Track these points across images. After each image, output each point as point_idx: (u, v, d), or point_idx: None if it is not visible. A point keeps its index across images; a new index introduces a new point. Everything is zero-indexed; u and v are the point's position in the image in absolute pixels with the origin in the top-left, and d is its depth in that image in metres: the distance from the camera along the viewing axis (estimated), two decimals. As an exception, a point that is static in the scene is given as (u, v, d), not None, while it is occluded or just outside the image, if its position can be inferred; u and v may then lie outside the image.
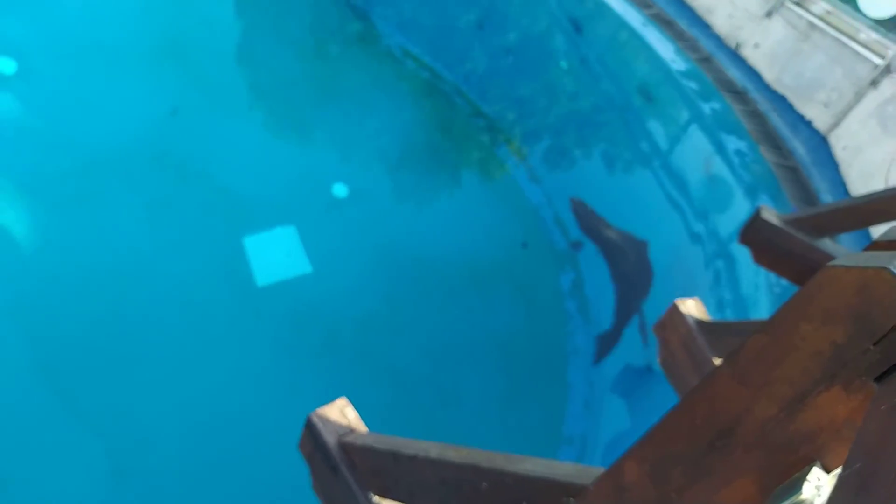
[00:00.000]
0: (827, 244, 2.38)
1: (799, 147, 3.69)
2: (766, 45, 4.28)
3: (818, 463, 0.56)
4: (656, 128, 4.35)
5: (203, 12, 4.55)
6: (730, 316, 3.17)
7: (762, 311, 3.08)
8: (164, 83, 3.96)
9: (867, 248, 0.59)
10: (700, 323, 2.20)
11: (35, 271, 3.01)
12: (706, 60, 4.41)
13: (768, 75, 4.23)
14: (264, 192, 3.73)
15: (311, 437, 1.70)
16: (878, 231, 2.75)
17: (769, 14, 4.24)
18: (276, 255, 3.49)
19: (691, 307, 2.22)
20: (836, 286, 0.52)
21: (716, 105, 4.05)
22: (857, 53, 3.67)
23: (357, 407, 1.57)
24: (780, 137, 3.75)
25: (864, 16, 3.87)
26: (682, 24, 4.72)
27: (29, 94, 3.62)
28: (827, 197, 3.39)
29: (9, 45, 3.74)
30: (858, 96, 3.67)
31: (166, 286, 3.18)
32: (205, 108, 3.97)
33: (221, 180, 3.69)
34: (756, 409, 0.59)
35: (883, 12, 3.84)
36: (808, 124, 3.84)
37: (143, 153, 3.62)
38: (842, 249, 2.50)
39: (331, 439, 1.67)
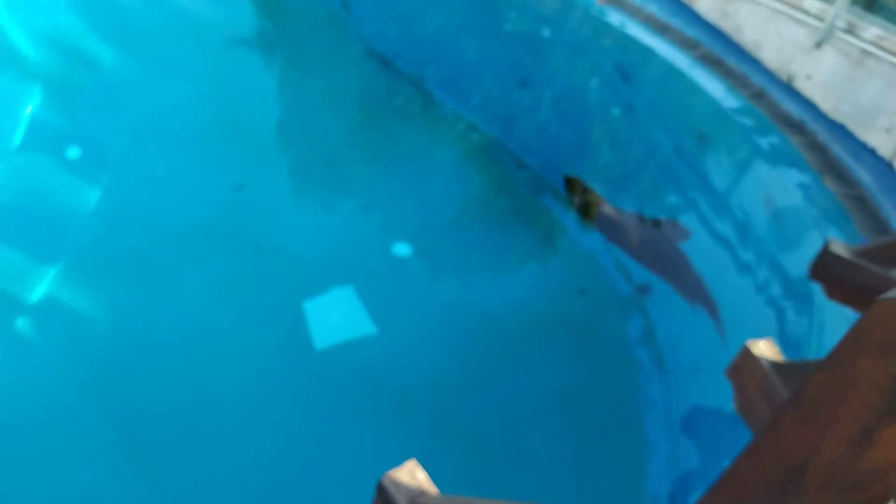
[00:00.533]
0: (903, 274, 2.27)
1: (864, 175, 3.58)
2: (819, 76, 4.21)
3: (893, 501, 0.54)
4: (713, 168, 4.29)
5: (258, 93, 4.83)
6: (809, 356, 3.04)
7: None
8: (227, 161, 4.17)
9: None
10: (775, 364, 2.11)
11: (110, 350, 3.16)
12: (759, 96, 4.36)
13: (825, 105, 4.15)
14: (325, 257, 3.85)
15: (383, 500, 1.70)
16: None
17: (819, 45, 4.19)
18: (339, 317, 3.57)
19: (764, 349, 2.14)
20: (891, 318, 0.51)
21: (773, 139, 3.98)
22: (917, 76, 3.58)
23: (427, 468, 1.56)
24: (843, 167, 3.65)
25: (920, 37, 3.78)
26: (731, 61, 4.70)
27: (98, 178, 3.86)
28: (900, 224, 3.26)
29: (74, 134, 4.03)
30: (923, 119, 3.56)
31: (233, 356, 3.29)
32: (267, 182, 4.16)
33: (287, 249, 3.83)
34: (824, 449, 0.58)
35: (940, 32, 3.74)
36: (872, 151, 3.74)
37: (210, 228, 3.80)
38: (921, 278, 2.38)
39: (402, 502, 1.67)
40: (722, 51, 4.68)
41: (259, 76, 5.08)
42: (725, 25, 5.00)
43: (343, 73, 5.37)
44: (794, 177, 3.67)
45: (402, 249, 4.02)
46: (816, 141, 3.94)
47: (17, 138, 3.93)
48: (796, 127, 4.04)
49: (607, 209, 4.32)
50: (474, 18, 5.97)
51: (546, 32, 5.20)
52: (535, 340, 3.74)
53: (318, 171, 4.43)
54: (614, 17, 5.04)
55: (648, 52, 4.74)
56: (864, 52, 3.84)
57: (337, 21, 5.96)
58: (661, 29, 4.91)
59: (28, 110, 4.08)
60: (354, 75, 5.37)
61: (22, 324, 3.13)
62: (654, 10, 5.16)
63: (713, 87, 4.43)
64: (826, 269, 2.44)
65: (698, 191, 4.31)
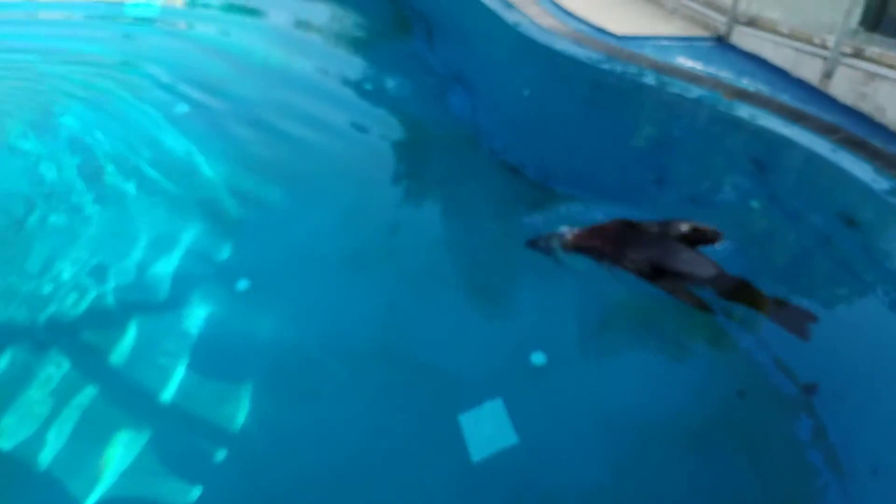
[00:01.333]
0: None
1: None
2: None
3: None
4: (869, 251, 4.07)
5: (401, 213, 5.20)
6: None
7: None
8: (379, 283, 4.49)
9: None
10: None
11: (270, 467, 3.38)
12: (913, 175, 4.15)
13: None
14: (472, 369, 3.96)
15: None
16: None
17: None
18: (491, 429, 3.63)
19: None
20: None
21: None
22: None
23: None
24: None
25: None
26: (876, 142, 4.52)
27: (262, 306, 4.27)
28: None
29: (241, 267, 4.51)
30: None
31: (391, 470, 3.42)
32: (416, 300, 4.42)
33: (435, 363, 3.99)
34: None
35: None
36: None
37: (364, 348, 4.06)
38: None
39: None
40: (865, 133, 4.52)
41: (401, 196, 5.48)
42: (865, 107, 4.84)
43: (478, 186, 5.69)
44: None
45: (543, 358, 4.07)
46: None
47: (192, 271, 4.46)
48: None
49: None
50: (603, 125, 6.18)
51: (676, 132, 5.28)
52: (694, 447, 3.59)
53: (461, 283, 4.63)
54: (744, 111, 5.04)
55: (785, 142, 4.67)
56: None
57: (470, 139, 6.39)
58: (795, 117, 4.84)
59: (197, 245, 4.65)
60: (488, 187, 5.66)
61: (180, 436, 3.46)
62: (785, 99, 5.11)
63: (860, 169, 4.27)
64: None
65: (855, 275, 4.08)
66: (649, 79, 5.89)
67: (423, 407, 3.73)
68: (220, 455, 3.36)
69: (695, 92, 5.49)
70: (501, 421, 3.65)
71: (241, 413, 3.55)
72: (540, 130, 6.50)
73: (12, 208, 4.85)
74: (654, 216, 4.84)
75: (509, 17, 8.17)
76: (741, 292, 4.13)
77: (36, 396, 3.53)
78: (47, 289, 4.19)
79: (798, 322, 3.89)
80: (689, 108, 5.42)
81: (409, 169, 5.87)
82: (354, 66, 7.77)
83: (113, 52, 7.36)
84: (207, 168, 5.35)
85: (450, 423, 3.63)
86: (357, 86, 7.25)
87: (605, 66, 6.88)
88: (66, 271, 4.31)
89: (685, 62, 6.30)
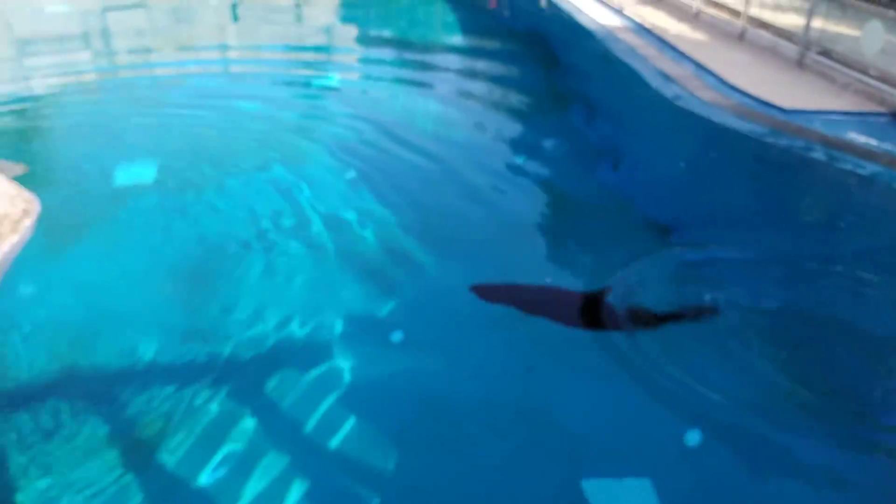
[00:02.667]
0: None
1: None
2: None
3: None
4: None
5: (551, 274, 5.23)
6: None
7: None
8: (518, 347, 4.55)
9: None
10: None
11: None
12: None
13: None
14: (613, 441, 3.86)
15: None
16: None
17: None
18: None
19: None
20: None
21: None
22: None
23: None
24: None
25: None
26: None
27: (413, 358, 4.43)
28: None
29: (396, 320, 4.72)
30: None
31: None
32: (554, 363, 4.42)
33: (574, 431, 3.93)
34: None
35: None
36: None
37: (505, 407, 4.09)
38: None
39: None
40: None
41: (549, 260, 5.54)
42: None
43: (627, 245, 5.62)
44: None
45: (698, 437, 3.87)
46: None
47: (352, 322, 4.75)
48: None
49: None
50: (765, 198, 5.94)
51: (845, 209, 4.96)
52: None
53: (605, 350, 4.57)
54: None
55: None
56: None
57: (622, 209, 6.37)
58: None
59: (357, 297, 4.96)
60: (638, 248, 5.58)
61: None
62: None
63: None
64: None
65: None
66: (818, 153, 5.62)
67: (558, 472, 3.67)
68: (358, 494, 3.52)
69: (868, 168, 5.18)
70: (648, 501, 3.50)
71: (382, 458, 3.69)
72: (697, 203, 6.35)
73: (191, 252, 5.49)
74: (815, 291, 4.53)
75: (668, 90, 8.16)
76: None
77: (203, 427, 3.91)
78: (222, 329, 4.66)
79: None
80: (862, 184, 5.09)
81: (557, 234, 5.94)
82: (510, 137, 8.07)
83: (297, 117, 8.21)
84: (370, 229, 5.76)
85: (585, 493, 3.55)
86: (512, 156, 7.51)
87: (770, 140, 6.65)
88: (239, 313, 4.78)
89: (857, 137, 5.95)
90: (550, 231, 5.96)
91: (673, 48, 9.65)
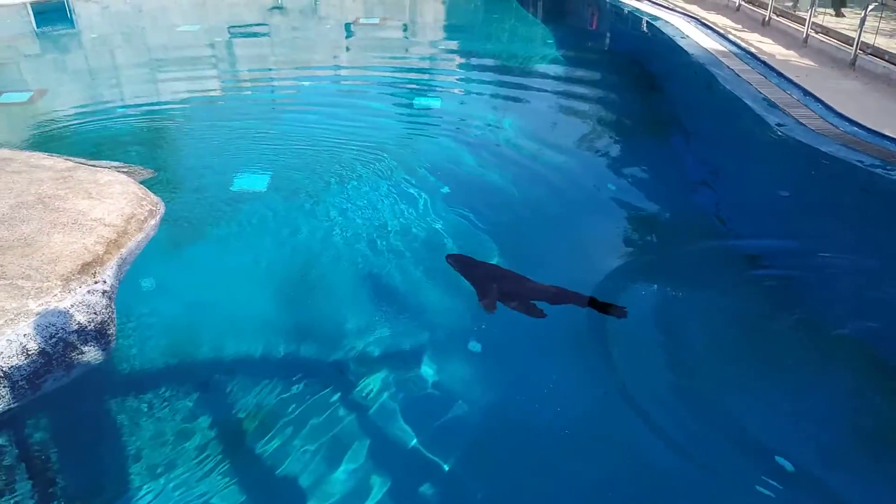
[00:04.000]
0: None
1: None
2: None
3: None
4: None
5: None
6: None
7: None
8: (596, 372, 4.60)
9: None
10: None
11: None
12: None
13: None
14: (690, 477, 3.84)
15: None
16: None
17: None
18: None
19: None
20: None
21: None
22: None
23: None
24: None
25: None
26: None
27: (490, 370, 4.57)
28: None
29: (475, 332, 4.88)
30: None
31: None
32: (632, 388, 4.43)
33: (656, 460, 3.95)
34: None
35: None
36: None
37: (583, 429, 4.16)
38: None
39: None
40: None
41: (637, 281, 5.54)
42: None
43: (721, 281, 5.54)
44: None
45: (790, 466, 3.80)
46: None
47: (434, 330, 4.95)
48: None
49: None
50: (870, 230, 5.72)
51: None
52: None
53: (696, 380, 4.54)
54: None
55: None
56: None
57: (717, 235, 6.28)
58: None
59: (440, 307, 5.15)
60: (731, 283, 5.49)
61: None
62: None
63: None
64: None
65: None
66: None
67: (631, 496, 3.72)
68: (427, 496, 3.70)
69: None
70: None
71: (452, 462, 3.87)
72: (798, 234, 6.17)
73: (295, 256, 5.89)
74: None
75: (772, 118, 7.96)
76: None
77: (295, 423, 4.21)
78: (318, 330, 4.99)
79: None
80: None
81: (647, 257, 5.93)
82: (605, 160, 8.10)
83: (400, 134, 8.59)
84: (460, 244, 5.98)
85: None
86: (606, 178, 7.54)
87: (880, 171, 6.39)
88: (334, 317, 5.10)
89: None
90: (641, 255, 5.97)
91: (779, 74, 9.39)
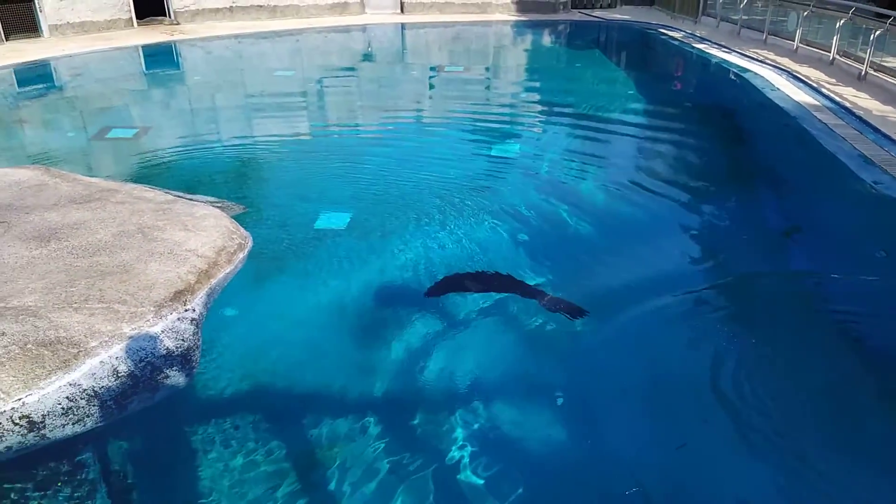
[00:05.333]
0: None
1: None
2: None
3: None
4: None
5: (715, 356, 5.07)
6: None
7: None
8: (675, 419, 4.46)
9: None
10: None
11: None
12: None
13: None
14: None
15: None
16: None
17: None
18: None
19: None
20: None
21: None
22: None
23: None
24: None
25: None
26: None
27: (568, 417, 4.49)
28: None
29: (559, 383, 4.81)
30: None
31: None
32: (708, 443, 4.27)
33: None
34: None
35: None
36: None
37: (652, 482, 4.02)
38: None
39: None
40: None
41: (716, 341, 5.37)
42: None
43: (811, 347, 5.31)
44: None
45: None
46: None
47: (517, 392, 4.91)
48: None
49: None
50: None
51: None
52: None
53: (767, 442, 4.35)
54: None
55: None
56: None
57: (806, 296, 6.02)
58: None
59: (514, 352, 5.11)
60: (824, 351, 5.25)
61: None
62: None
63: None
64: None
65: None
66: None
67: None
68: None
69: None
70: None
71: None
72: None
73: (372, 294, 6.01)
74: None
75: (867, 175, 7.63)
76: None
77: (365, 456, 4.26)
78: (391, 367, 5.06)
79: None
80: None
81: (733, 315, 5.75)
82: (688, 214, 7.94)
83: (477, 180, 8.71)
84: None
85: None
86: (688, 231, 7.40)
87: None
88: (407, 356, 5.16)
89: None
90: (727, 317, 5.78)
91: (875, 130, 9.01)
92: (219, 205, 7.32)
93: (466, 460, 4.17)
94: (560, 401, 4.68)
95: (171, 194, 7.31)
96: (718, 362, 5.00)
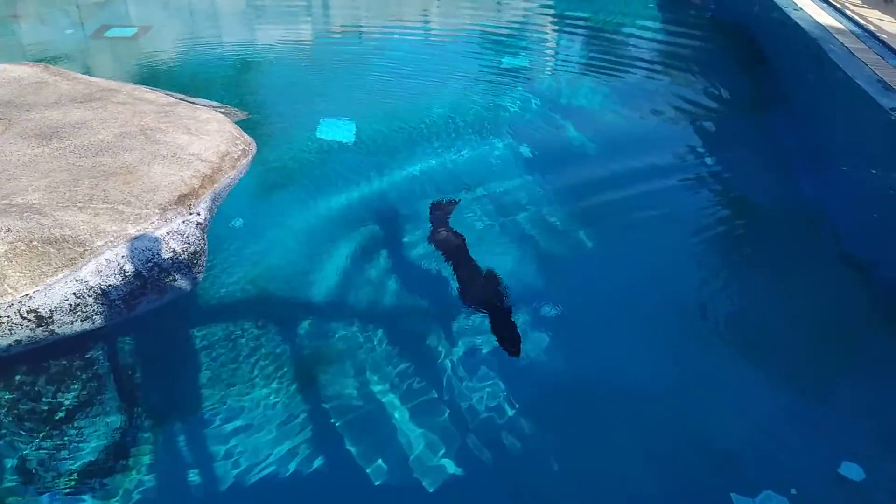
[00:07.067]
0: None
1: None
2: None
3: None
4: None
5: (713, 292, 5.10)
6: None
7: None
8: (668, 341, 4.53)
9: None
10: None
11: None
12: None
13: None
14: (758, 457, 3.76)
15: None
16: None
17: None
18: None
19: None
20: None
21: None
22: None
23: None
24: None
25: None
26: None
27: (562, 334, 4.55)
28: None
29: (552, 296, 4.85)
30: None
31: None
32: (704, 368, 4.36)
33: (718, 440, 3.89)
34: None
35: None
36: None
37: (648, 398, 4.12)
38: None
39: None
40: None
41: (717, 263, 5.40)
42: None
43: (807, 273, 5.33)
44: None
45: (854, 471, 3.68)
46: None
47: (514, 293, 4.94)
48: None
49: None
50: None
51: None
52: None
53: (760, 365, 4.43)
54: None
55: None
56: None
57: (811, 223, 5.99)
58: None
59: (520, 269, 5.14)
60: (821, 280, 5.27)
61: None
62: None
63: None
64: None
65: None
66: None
67: (693, 478, 3.68)
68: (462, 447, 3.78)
69: None
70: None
71: (508, 422, 3.92)
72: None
73: (374, 212, 5.99)
74: None
75: (887, 102, 7.44)
76: None
77: (367, 366, 4.35)
78: (390, 279, 5.10)
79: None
80: None
81: (734, 239, 5.75)
82: (700, 136, 7.79)
83: (485, 93, 8.52)
84: (534, 209, 5.94)
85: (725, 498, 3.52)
86: (700, 155, 7.27)
87: None
88: (408, 272, 5.20)
89: None
90: (726, 236, 5.78)
91: (899, 56, 8.71)
92: (222, 109, 7.18)
93: (460, 368, 4.27)
94: (552, 312, 4.73)
95: (172, 96, 7.15)
96: (717, 286, 5.04)
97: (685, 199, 6.31)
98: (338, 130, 7.20)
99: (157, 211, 4.84)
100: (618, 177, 6.57)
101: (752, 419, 3.99)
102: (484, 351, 4.41)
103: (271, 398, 4.06)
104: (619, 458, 3.77)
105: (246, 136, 6.49)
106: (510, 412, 3.97)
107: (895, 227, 5.74)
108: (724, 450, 3.81)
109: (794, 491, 3.53)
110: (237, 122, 6.84)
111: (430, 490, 3.56)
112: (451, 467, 3.68)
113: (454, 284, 4.99)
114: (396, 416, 3.96)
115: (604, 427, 3.96)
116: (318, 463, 3.71)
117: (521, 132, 7.35)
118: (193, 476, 3.66)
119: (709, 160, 7.12)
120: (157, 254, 4.59)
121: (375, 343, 4.48)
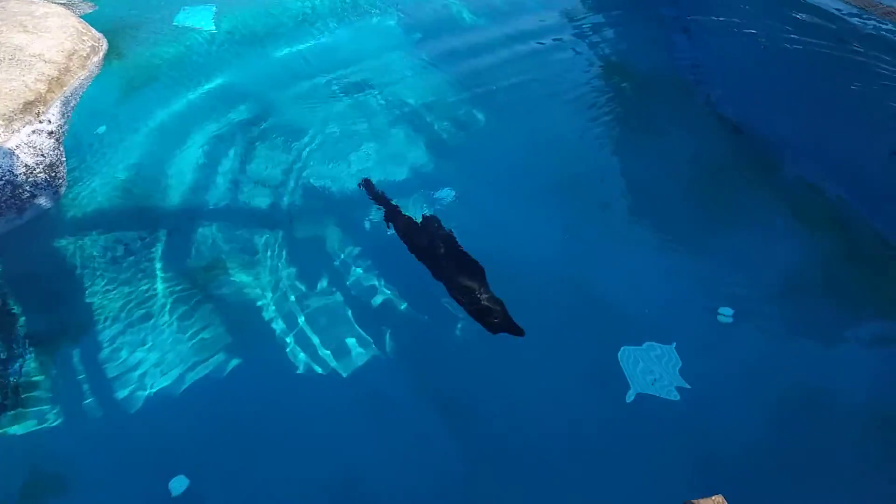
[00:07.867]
0: None
1: None
2: None
3: None
4: None
5: (596, 149, 5.20)
6: None
7: None
8: (561, 210, 4.63)
9: None
10: None
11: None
12: None
13: None
14: (646, 311, 4.00)
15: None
16: None
17: None
18: (656, 372, 3.68)
19: None
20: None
21: None
22: None
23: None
24: None
25: None
26: None
27: (459, 211, 4.56)
28: None
29: (448, 180, 4.81)
30: None
31: (544, 388, 3.66)
32: (594, 232, 4.50)
33: (608, 299, 4.08)
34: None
35: None
36: None
37: (540, 270, 4.24)
38: None
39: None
40: None
41: (596, 132, 5.47)
42: None
43: (686, 135, 5.49)
44: None
45: (727, 314, 3.99)
46: None
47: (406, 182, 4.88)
48: None
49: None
50: (836, 85, 5.65)
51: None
52: (872, 429, 3.38)
53: (647, 227, 4.61)
54: None
55: None
56: None
57: (685, 87, 6.13)
58: None
59: (419, 162, 5.05)
60: (697, 138, 5.45)
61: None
62: None
63: None
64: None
65: None
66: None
67: (588, 336, 3.87)
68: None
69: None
70: (670, 367, 3.68)
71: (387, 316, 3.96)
72: (770, 88, 6.02)
73: (243, 91, 5.63)
74: (882, 190, 4.40)
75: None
76: None
77: (252, 269, 4.21)
78: (280, 178, 4.88)
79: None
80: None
81: (614, 107, 5.80)
82: (583, 2, 7.67)
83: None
84: (439, 96, 5.80)
85: (613, 358, 3.74)
86: (574, 19, 7.18)
87: (856, 21, 6.22)
88: (294, 156, 4.97)
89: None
90: (609, 102, 5.81)
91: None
92: (62, 1, 6.36)
93: (351, 261, 4.21)
94: (449, 196, 4.72)
95: (-2, -11, 6.24)
96: (605, 154, 5.14)
97: (567, 70, 6.27)
98: (196, 17, 6.57)
99: (0, 122, 4.32)
100: (501, 52, 6.43)
101: (639, 277, 4.20)
102: (374, 244, 4.34)
103: (157, 306, 3.87)
104: (520, 318, 3.88)
105: (94, 30, 5.83)
106: (418, 288, 3.99)
107: (765, 88, 5.99)
108: (614, 306, 4.01)
109: (677, 338, 3.81)
110: (83, 17, 6.10)
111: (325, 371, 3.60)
112: (358, 357, 3.71)
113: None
114: (288, 311, 3.90)
115: (506, 293, 4.04)
116: (208, 370, 3.63)
117: (392, 3, 6.98)
118: (89, 396, 3.50)
119: (589, 30, 7.06)
120: (8, 170, 4.14)
121: (256, 240, 4.30)
